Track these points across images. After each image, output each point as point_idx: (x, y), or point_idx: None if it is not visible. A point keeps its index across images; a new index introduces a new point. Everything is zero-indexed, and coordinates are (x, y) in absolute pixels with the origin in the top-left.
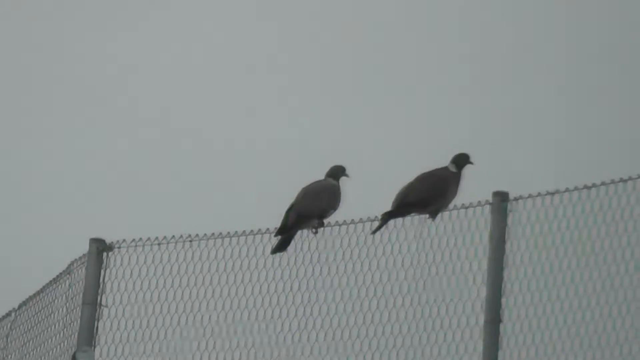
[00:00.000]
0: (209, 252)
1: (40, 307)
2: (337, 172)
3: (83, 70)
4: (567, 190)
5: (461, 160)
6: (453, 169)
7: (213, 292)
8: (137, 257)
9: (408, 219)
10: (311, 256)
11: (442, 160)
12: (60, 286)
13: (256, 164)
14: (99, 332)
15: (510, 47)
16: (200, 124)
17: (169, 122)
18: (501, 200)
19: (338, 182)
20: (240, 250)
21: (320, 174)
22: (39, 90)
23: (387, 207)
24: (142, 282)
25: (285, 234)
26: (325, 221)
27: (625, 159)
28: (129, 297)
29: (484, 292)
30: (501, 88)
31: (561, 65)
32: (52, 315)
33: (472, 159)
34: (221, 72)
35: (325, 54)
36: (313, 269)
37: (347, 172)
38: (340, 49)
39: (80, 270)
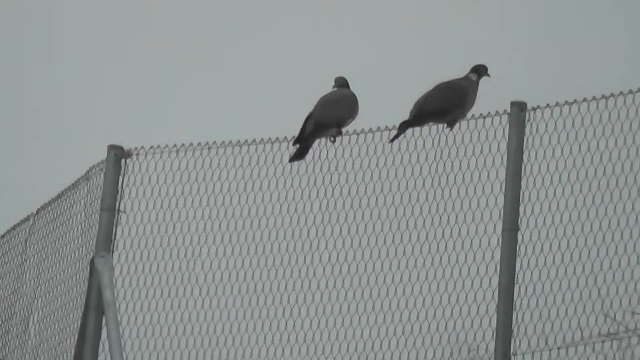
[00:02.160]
0: (227, 160)
1: (58, 213)
2: (343, 83)
3: None
4: (584, 100)
5: (480, 71)
6: (474, 78)
7: (231, 199)
8: (155, 164)
9: (426, 128)
10: (329, 165)
11: (460, 70)
12: (78, 192)
13: (275, 72)
14: (117, 238)
15: None
16: (219, 33)
17: (188, 30)
18: (519, 110)
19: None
20: (258, 158)
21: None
22: None
23: (405, 116)
24: (160, 189)
25: (304, 142)
26: (344, 130)
27: None
28: (147, 203)
29: (502, 201)
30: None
31: None
32: (71, 221)
33: (489, 71)
34: None
35: None
36: (331, 177)
37: (349, 83)
38: None
39: (98, 177)
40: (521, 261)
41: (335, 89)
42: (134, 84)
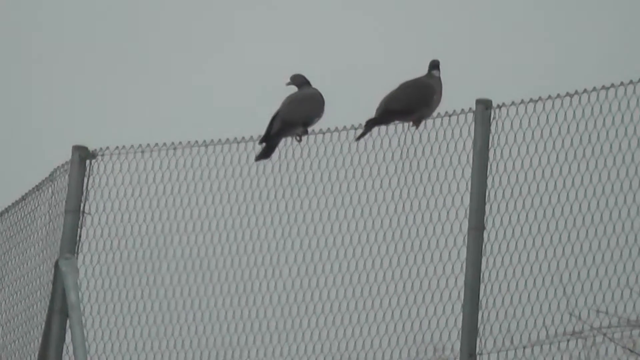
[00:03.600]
0: (192, 160)
1: (22, 215)
2: (300, 80)
3: None
4: (549, 97)
5: (436, 66)
6: (437, 74)
7: (197, 199)
8: (121, 165)
9: (392, 126)
10: (295, 164)
11: (424, 68)
12: (43, 193)
13: (240, 71)
14: (82, 239)
15: None
16: (184, 29)
17: (154, 31)
18: (484, 107)
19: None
20: (224, 158)
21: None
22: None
23: (371, 114)
24: (125, 190)
25: (270, 141)
26: (310, 129)
27: (607, 66)
28: (112, 204)
29: (467, 200)
30: None
31: None
32: (35, 223)
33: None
34: None
35: None
36: (297, 177)
37: (310, 81)
38: None
39: (63, 178)
40: (487, 260)
41: (291, 85)
42: (98, 84)
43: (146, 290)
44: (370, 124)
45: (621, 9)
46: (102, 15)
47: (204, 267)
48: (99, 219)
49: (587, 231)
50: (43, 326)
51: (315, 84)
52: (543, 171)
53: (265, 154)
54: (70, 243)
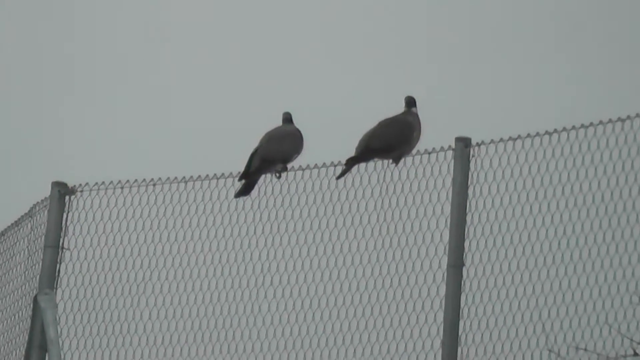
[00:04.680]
0: (172, 196)
1: (1, 250)
2: (289, 119)
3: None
4: (528, 135)
5: (412, 103)
6: (415, 110)
7: (176, 235)
8: (100, 201)
9: (371, 163)
10: (275, 200)
11: (401, 105)
12: (22, 229)
13: (220, 109)
14: (61, 275)
15: None
16: (161, 70)
17: (131, 67)
18: (464, 145)
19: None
20: (203, 194)
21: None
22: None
23: (351, 152)
24: (104, 226)
25: (249, 178)
26: (289, 166)
27: (586, 105)
28: (91, 240)
29: (447, 237)
30: (459, 31)
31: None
32: (14, 258)
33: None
34: None
35: None
36: (277, 213)
37: (293, 118)
38: None
39: (42, 214)
40: (466, 296)
41: (286, 124)
42: (78, 120)
43: (125, 325)
44: (350, 162)
45: (601, 48)
46: (82, 54)
47: (183, 302)
48: (78, 255)
49: (566, 268)
50: None
51: (296, 121)
52: (522, 208)
53: (244, 190)
54: (50, 278)
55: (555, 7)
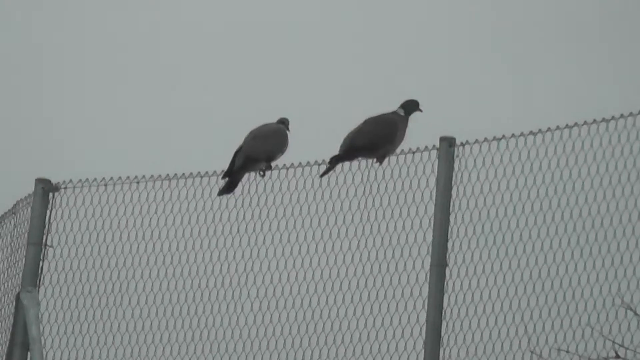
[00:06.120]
0: (155, 194)
1: None
2: (284, 123)
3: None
4: (513, 136)
5: (410, 106)
6: (402, 113)
7: (160, 233)
8: (83, 198)
9: (355, 162)
10: (258, 199)
11: (390, 105)
12: (5, 226)
13: (203, 105)
14: (44, 272)
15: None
16: (145, 66)
17: (119, 60)
18: (448, 145)
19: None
20: (187, 192)
21: (263, 120)
22: None
23: (336, 150)
24: (88, 223)
25: (233, 176)
26: (273, 164)
27: (571, 105)
28: (74, 237)
29: (430, 237)
30: (443, 30)
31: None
32: None
33: (421, 107)
34: None
35: None
36: (260, 212)
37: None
38: None
39: (25, 210)
40: (449, 297)
41: (270, 122)
42: (61, 116)
43: (107, 323)
44: (334, 161)
45: (584, 50)
46: (67, 48)
47: (166, 301)
48: (61, 252)
49: (548, 269)
50: (4, 359)
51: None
52: (506, 209)
53: (228, 188)
54: (32, 276)
55: (541, 7)
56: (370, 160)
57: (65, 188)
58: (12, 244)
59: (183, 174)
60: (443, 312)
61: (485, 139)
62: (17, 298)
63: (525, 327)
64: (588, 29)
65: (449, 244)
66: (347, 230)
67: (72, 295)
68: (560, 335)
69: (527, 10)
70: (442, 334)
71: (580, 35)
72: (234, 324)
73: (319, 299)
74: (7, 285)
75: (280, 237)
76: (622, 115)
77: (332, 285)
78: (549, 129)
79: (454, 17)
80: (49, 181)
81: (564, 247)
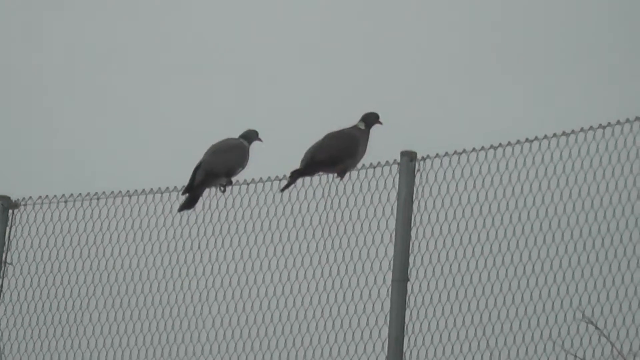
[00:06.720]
0: (115, 210)
1: None
2: (251, 136)
3: None
4: (473, 150)
5: (370, 119)
6: (362, 127)
7: (120, 250)
8: (43, 215)
9: (316, 177)
10: (219, 214)
11: (350, 120)
12: None
13: (165, 122)
14: (4, 290)
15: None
16: (112, 80)
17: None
18: (409, 159)
19: (248, 144)
20: (147, 208)
21: (227, 134)
22: None
23: (296, 165)
24: (48, 240)
25: (193, 191)
26: (233, 179)
27: (531, 119)
28: (34, 254)
29: (391, 251)
30: (407, 46)
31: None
32: None
33: (381, 119)
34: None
35: None
36: (221, 227)
37: (260, 136)
38: None
39: None
40: (411, 312)
41: (231, 137)
42: (21, 133)
43: (68, 341)
44: (295, 175)
45: (545, 64)
46: (36, 64)
47: (127, 318)
48: (21, 269)
49: (510, 284)
50: None
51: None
52: (467, 223)
53: (188, 204)
54: None
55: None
56: (331, 175)
57: (25, 205)
58: None
59: (143, 189)
60: (405, 327)
61: (446, 153)
62: None
63: (487, 342)
64: (555, 42)
65: (410, 259)
66: (308, 245)
67: (32, 312)
68: (522, 349)
69: (488, 25)
70: (404, 349)
71: (532, 53)
72: (196, 340)
73: (280, 315)
74: None
75: (242, 252)
76: (582, 129)
77: (294, 301)
78: (509, 143)
79: (414, 30)
80: (9, 198)
81: (524, 261)
